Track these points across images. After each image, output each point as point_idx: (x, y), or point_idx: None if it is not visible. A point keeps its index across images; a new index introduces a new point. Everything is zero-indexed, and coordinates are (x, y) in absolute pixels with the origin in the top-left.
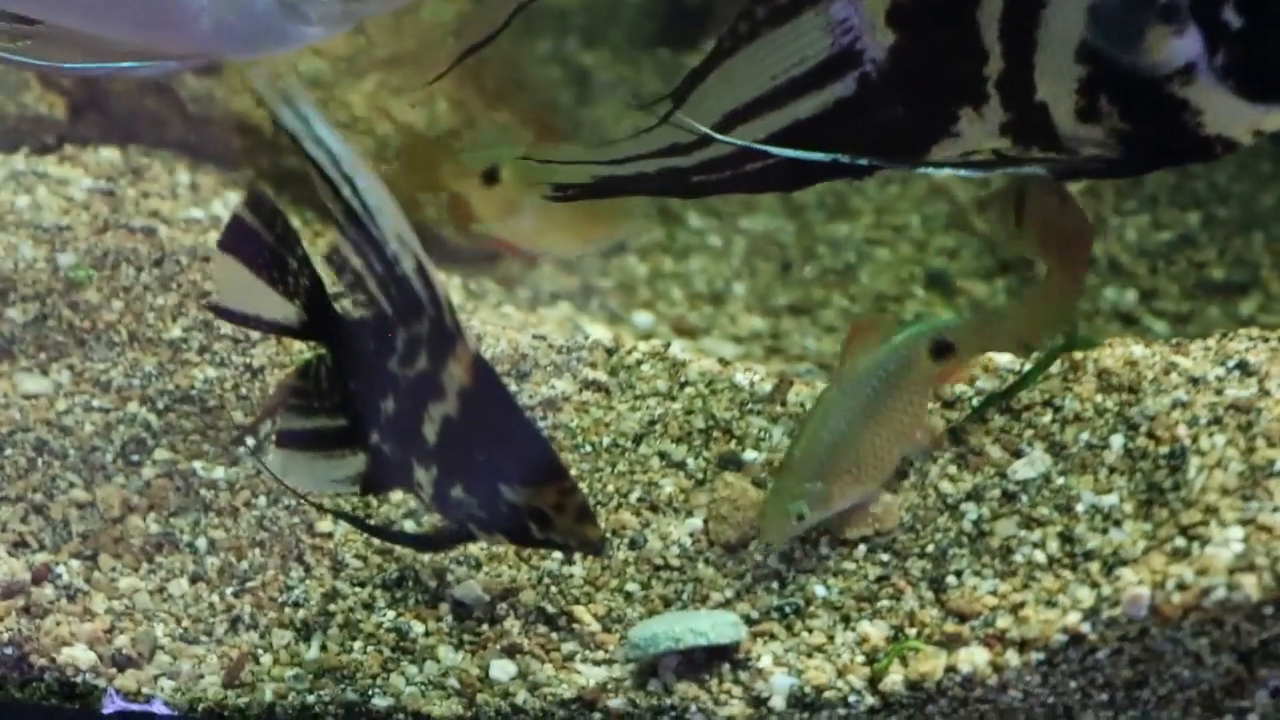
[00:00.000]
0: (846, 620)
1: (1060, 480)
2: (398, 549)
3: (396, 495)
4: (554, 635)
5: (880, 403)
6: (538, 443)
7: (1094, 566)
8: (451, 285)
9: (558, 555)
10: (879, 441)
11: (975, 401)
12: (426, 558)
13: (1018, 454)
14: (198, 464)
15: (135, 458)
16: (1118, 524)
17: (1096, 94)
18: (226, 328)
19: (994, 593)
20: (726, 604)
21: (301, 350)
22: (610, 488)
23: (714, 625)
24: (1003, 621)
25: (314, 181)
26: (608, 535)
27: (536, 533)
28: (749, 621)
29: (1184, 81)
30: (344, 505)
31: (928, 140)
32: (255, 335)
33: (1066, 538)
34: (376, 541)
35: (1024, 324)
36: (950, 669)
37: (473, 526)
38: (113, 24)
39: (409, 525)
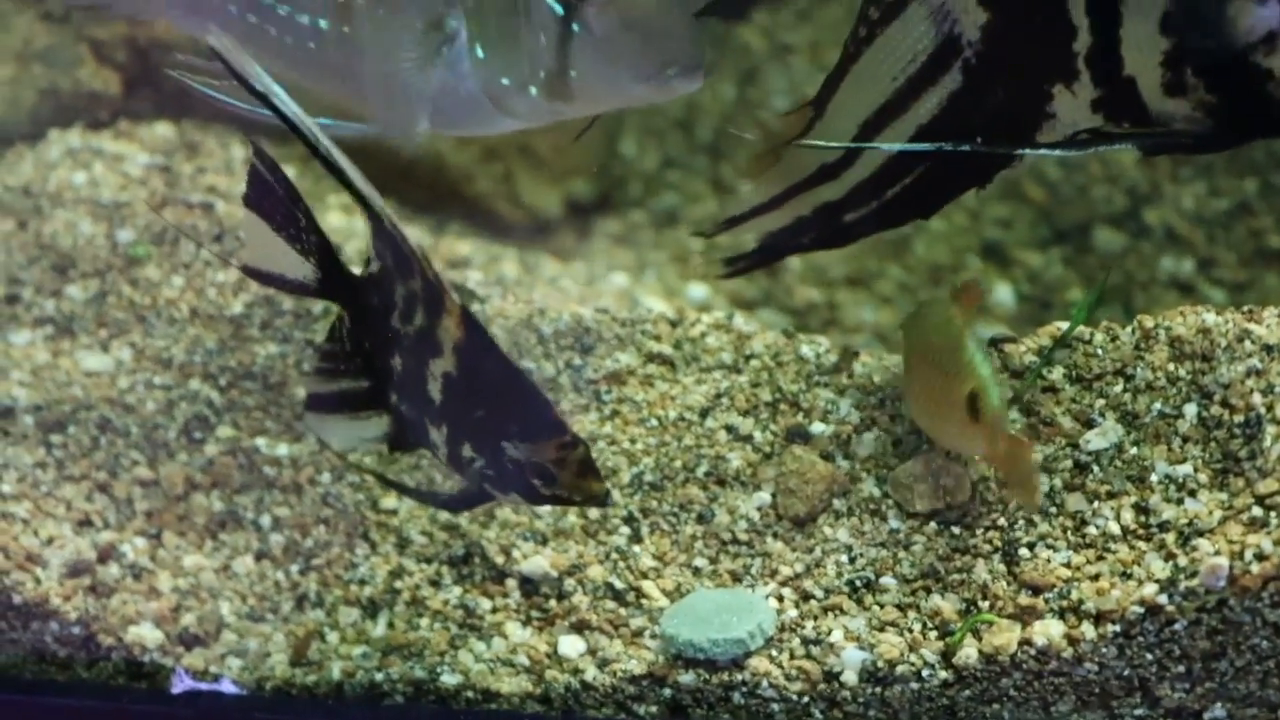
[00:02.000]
0: (918, 594)
1: (1133, 450)
2: (463, 524)
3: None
4: (622, 611)
5: None
6: (534, 397)
7: (1170, 537)
8: (506, 258)
9: (625, 530)
10: None
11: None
12: (492, 533)
13: (1089, 424)
14: (261, 441)
15: (198, 435)
16: (1193, 494)
17: (1182, 66)
18: (288, 303)
19: (1068, 565)
20: (795, 578)
21: None
22: (677, 462)
23: (721, 634)
24: (1077, 593)
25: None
26: (611, 489)
27: (543, 489)
28: (821, 596)
29: (1267, 51)
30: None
31: (1029, 126)
32: (316, 310)
33: (1141, 509)
34: (442, 517)
35: None
36: (1025, 642)
37: (488, 487)
38: (342, 85)
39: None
